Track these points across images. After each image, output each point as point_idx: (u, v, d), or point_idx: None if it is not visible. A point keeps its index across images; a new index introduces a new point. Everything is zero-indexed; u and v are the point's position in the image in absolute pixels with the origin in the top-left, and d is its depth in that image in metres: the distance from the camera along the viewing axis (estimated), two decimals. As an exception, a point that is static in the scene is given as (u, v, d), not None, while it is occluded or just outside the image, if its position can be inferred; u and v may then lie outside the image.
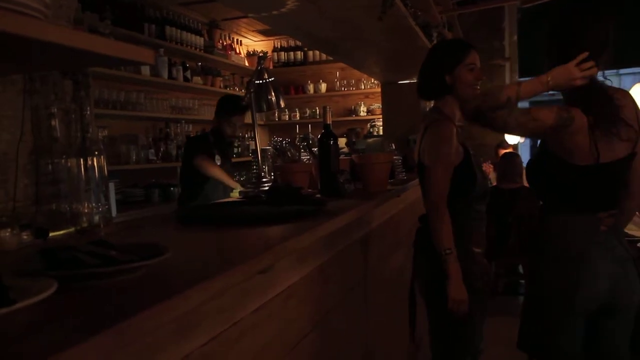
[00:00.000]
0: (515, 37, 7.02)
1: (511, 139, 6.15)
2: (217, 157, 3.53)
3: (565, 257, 1.90)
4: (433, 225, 1.96)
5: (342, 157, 2.50)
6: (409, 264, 2.49)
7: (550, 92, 2.04)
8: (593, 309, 1.89)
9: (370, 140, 4.29)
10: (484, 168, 3.36)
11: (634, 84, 4.58)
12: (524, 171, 4.97)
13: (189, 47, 5.54)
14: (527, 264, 4.70)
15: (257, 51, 6.88)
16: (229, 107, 3.56)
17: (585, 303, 1.87)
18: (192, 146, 3.69)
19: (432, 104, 2.25)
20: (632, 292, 1.88)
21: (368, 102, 7.01)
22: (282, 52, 7.21)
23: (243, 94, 2.90)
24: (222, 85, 6.21)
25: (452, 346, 2.08)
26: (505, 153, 4.99)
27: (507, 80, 6.96)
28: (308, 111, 7.13)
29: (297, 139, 2.94)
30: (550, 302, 1.92)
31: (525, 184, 4.70)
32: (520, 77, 7.39)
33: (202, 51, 5.78)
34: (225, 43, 6.46)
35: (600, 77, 1.89)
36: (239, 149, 6.08)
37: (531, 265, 2.15)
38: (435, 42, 3.73)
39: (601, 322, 1.90)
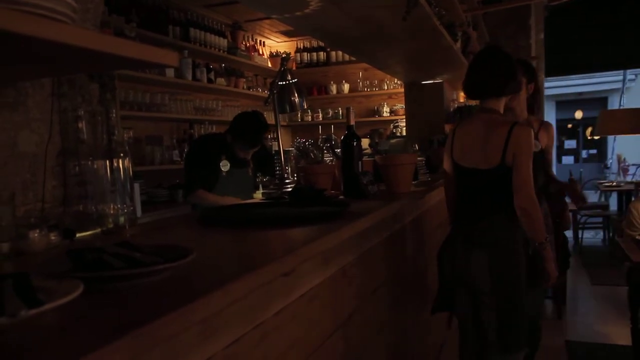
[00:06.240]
0: (542, 36, 6.89)
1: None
2: (225, 162, 3.27)
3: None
4: (535, 217, 2.17)
5: (365, 158, 2.49)
6: (433, 265, 2.46)
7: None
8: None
9: (393, 141, 4.26)
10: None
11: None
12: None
13: (212, 48, 5.58)
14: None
15: (280, 52, 6.91)
16: (247, 141, 3.27)
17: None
18: (199, 152, 3.35)
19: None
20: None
21: (391, 103, 6.98)
22: (305, 53, 7.22)
23: (266, 95, 2.89)
24: (245, 86, 6.25)
25: (522, 340, 2.23)
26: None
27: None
28: (331, 112, 7.13)
29: (320, 140, 2.94)
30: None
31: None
32: (546, 77, 7.25)
33: (225, 52, 5.82)
34: (248, 44, 6.50)
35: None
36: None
37: None
38: (459, 41, 3.69)
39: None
